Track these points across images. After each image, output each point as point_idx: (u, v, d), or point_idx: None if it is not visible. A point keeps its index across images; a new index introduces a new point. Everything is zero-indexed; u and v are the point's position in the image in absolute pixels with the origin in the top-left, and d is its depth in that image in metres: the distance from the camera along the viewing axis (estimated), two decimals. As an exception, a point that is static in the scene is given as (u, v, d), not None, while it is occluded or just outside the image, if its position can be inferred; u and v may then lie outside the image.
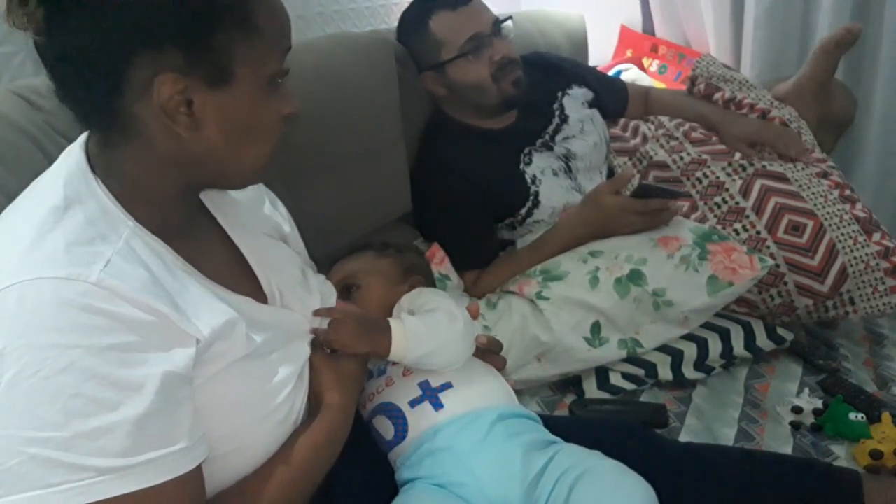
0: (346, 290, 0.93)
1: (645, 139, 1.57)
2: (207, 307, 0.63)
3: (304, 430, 0.71)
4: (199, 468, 0.59)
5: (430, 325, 0.82)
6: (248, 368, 0.66)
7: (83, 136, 0.67)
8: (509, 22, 1.41)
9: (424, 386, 0.82)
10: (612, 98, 1.63)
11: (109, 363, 0.53)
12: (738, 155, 1.42)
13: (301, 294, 0.81)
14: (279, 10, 0.65)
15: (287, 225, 0.90)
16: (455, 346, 0.82)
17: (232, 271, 0.74)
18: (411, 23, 1.42)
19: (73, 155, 0.65)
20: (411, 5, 1.44)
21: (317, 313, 0.80)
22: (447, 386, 0.82)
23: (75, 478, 0.50)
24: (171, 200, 0.67)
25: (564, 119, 1.50)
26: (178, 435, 0.56)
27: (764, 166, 1.39)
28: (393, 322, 0.81)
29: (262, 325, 0.69)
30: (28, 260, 0.55)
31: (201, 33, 0.59)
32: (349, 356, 0.79)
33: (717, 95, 1.60)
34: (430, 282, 1.01)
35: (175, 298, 0.60)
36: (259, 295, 0.74)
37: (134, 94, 0.59)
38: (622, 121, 1.69)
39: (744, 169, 1.39)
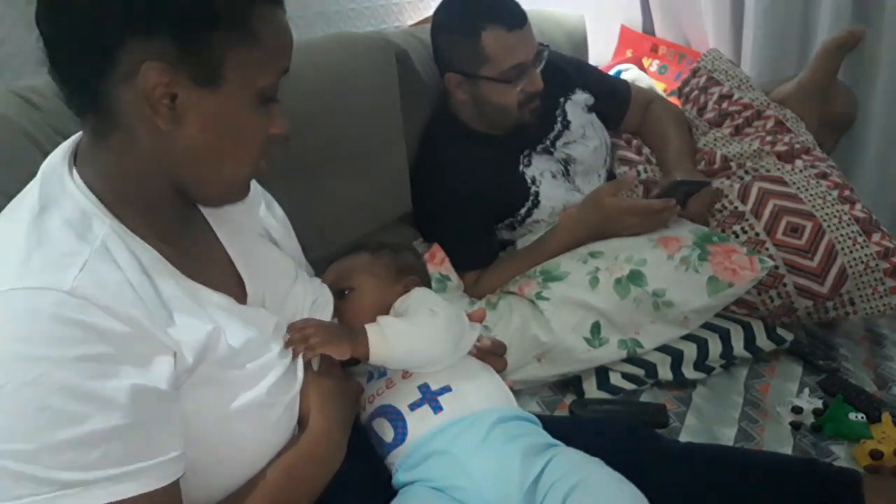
0: (339, 292, 0.92)
1: (649, 161, 1.57)
2: (185, 315, 0.62)
3: (282, 453, 0.69)
4: (175, 485, 0.58)
5: (407, 321, 0.81)
6: (231, 374, 0.65)
7: (73, 137, 0.67)
8: (546, 52, 1.39)
9: (424, 389, 0.82)
10: (611, 105, 1.61)
11: (79, 375, 0.52)
12: (733, 167, 1.43)
13: (289, 296, 0.80)
14: (282, 27, 0.64)
15: (278, 231, 0.88)
16: (437, 340, 0.81)
17: (217, 271, 0.73)
18: (461, 24, 1.35)
19: (55, 155, 0.65)
20: (465, 6, 1.37)
21: (290, 328, 0.77)
22: (446, 389, 0.82)
23: (40, 491, 0.50)
24: (158, 200, 0.66)
25: (566, 125, 1.50)
26: (152, 450, 0.55)
27: (759, 171, 1.39)
28: (367, 326, 0.80)
29: (242, 327, 0.68)
30: (3, 271, 0.54)
31: (197, 29, 0.58)
32: (332, 375, 0.78)
33: (716, 89, 1.59)
34: (426, 283, 1.01)
35: (149, 304, 0.59)
36: (242, 296, 0.73)
37: (120, 77, 0.59)
38: (625, 135, 1.67)
39: (741, 179, 1.39)
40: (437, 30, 1.42)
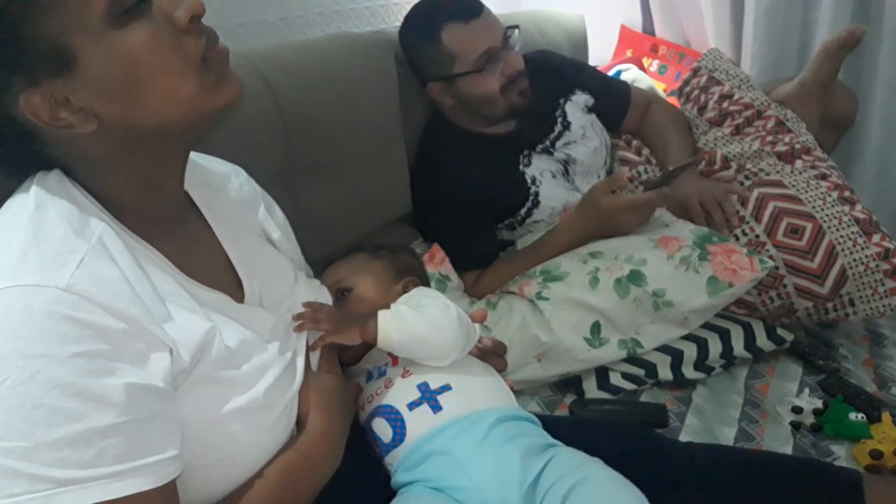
0: (339, 293, 0.93)
1: (649, 162, 1.57)
2: (183, 311, 0.62)
3: (281, 453, 0.69)
4: (171, 484, 0.57)
5: (418, 312, 0.82)
6: (227, 375, 0.64)
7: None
8: (517, 32, 1.39)
9: (423, 388, 0.81)
10: (611, 105, 1.61)
11: (75, 372, 0.52)
12: (732, 170, 1.42)
13: (287, 296, 0.80)
14: None
15: (277, 232, 0.88)
16: (447, 333, 0.81)
17: (214, 269, 0.73)
18: (421, 33, 1.37)
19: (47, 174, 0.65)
20: (419, 14, 1.40)
21: (305, 305, 0.80)
22: (446, 388, 0.81)
23: (35, 488, 0.50)
24: (147, 195, 0.66)
25: (567, 126, 1.50)
26: (148, 449, 0.55)
27: (759, 175, 1.39)
28: (380, 311, 0.82)
29: (238, 326, 0.68)
30: (0, 269, 0.54)
31: (5, 41, 0.54)
32: (331, 374, 0.79)
33: (716, 89, 1.59)
34: (424, 283, 1.01)
35: (147, 301, 0.59)
36: (240, 295, 0.73)
37: (34, 132, 0.58)
38: (625, 135, 1.67)
39: (741, 185, 1.39)
40: (405, 45, 1.43)
